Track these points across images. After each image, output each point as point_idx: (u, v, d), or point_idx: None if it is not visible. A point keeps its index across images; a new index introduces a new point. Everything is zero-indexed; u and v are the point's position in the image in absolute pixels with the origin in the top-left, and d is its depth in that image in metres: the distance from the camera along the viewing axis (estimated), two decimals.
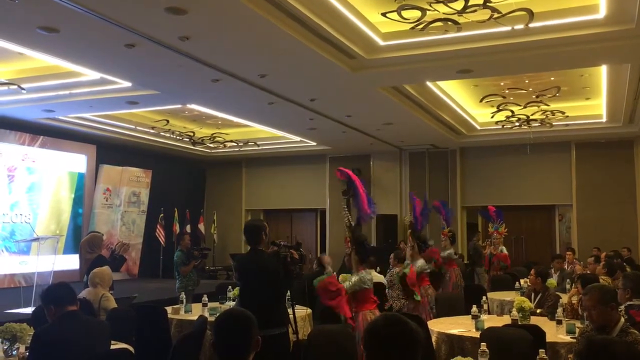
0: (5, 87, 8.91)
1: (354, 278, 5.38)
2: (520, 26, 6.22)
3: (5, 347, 4.17)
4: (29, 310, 7.71)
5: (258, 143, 13.60)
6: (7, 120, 11.31)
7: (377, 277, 8.44)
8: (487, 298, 6.92)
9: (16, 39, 7.00)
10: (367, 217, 5.86)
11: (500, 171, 13.97)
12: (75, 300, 3.83)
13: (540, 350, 3.99)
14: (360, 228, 6.10)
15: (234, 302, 6.48)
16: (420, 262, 7.82)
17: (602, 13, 6.43)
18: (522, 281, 8.22)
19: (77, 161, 13.29)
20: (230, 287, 7.28)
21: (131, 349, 4.34)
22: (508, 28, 6.27)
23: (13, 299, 9.04)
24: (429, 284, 7.87)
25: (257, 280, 4.66)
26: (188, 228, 15.45)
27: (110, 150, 13.83)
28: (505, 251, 10.71)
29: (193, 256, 8.53)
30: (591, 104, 11.18)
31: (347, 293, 5.30)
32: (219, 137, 12.96)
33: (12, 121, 11.39)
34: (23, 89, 8.72)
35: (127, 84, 8.94)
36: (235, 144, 13.38)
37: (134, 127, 12.46)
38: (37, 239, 10.12)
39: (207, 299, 6.78)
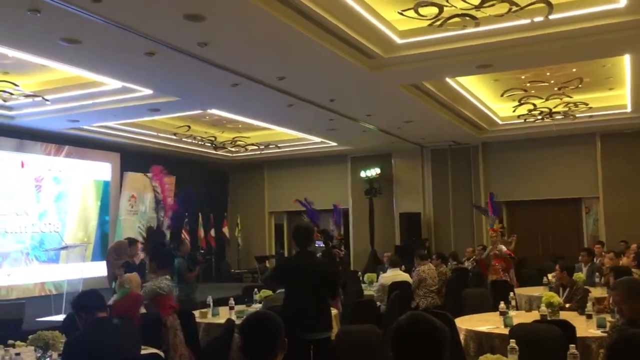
0: (30, 99, 9.10)
1: (149, 284, 5.13)
2: (539, 18, 6.14)
3: (39, 354, 4.24)
4: (60, 317, 7.84)
5: (279, 145, 13.66)
6: (33, 132, 11.52)
7: (402, 276, 8.43)
8: (514, 294, 6.85)
9: (39, 51, 7.15)
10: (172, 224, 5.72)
11: (524, 165, 13.80)
12: (105, 307, 3.89)
13: (570, 345, 3.94)
14: (158, 234, 5.87)
15: (261, 305, 6.52)
16: None
17: (622, 2, 6.32)
18: (549, 276, 8.11)
19: (102, 169, 13.49)
20: (256, 289, 7.30)
21: (161, 353, 4.39)
22: (527, 21, 6.19)
23: (44, 307, 9.18)
24: None
25: (305, 284, 4.68)
26: (212, 232, 15.59)
27: (134, 158, 13.96)
28: (504, 250, 9.36)
29: (197, 261, 8.18)
30: (615, 94, 10.99)
31: (145, 299, 5.08)
32: (240, 140, 13.02)
33: (38, 132, 11.60)
34: (47, 100, 8.89)
35: (148, 91, 9.04)
36: (257, 147, 13.44)
37: (156, 134, 12.60)
38: (65, 247, 10.28)
39: (233, 302, 6.82)
